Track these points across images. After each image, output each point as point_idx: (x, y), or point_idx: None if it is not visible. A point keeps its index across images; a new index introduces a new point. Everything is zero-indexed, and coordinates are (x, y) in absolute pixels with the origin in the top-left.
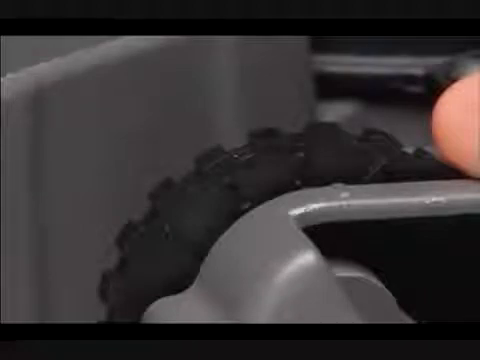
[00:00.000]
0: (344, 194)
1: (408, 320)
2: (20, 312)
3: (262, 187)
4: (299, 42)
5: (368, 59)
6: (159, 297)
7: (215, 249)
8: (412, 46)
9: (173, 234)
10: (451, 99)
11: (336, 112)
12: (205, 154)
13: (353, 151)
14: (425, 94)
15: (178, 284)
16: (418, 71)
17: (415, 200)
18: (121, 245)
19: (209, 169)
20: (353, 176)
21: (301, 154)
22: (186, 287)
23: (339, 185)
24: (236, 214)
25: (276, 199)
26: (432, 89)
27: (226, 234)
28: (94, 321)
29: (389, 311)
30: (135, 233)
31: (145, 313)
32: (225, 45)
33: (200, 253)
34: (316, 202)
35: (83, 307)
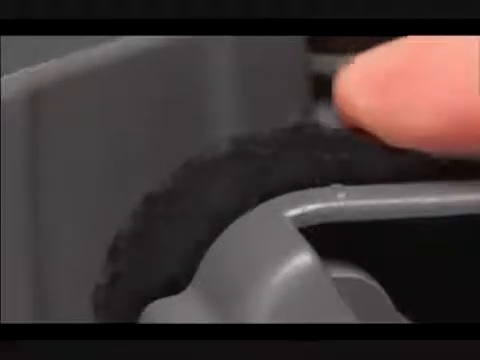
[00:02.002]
0: (341, 195)
1: (404, 321)
2: (20, 312)
3: (274, 184)
4: (298, 42)
5: None
6: (156, 298)
7: (212, 250)
8: None
9: (174, 234)
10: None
11: (335, 113)
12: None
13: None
14: None
15: (176, 284)
16: None
17: (412, 201)
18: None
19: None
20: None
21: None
22: (184, 287)
23: (337, 186)
24: (240, 213)
25: (273, 200)
26: None
27: (223, 235)
28: (93, 321)
29: (385, 312)
30: (135, 233)
31: (142, 314)
32: (225, 45)
33: (200, 252)
34: (313, 203)
35: (83, 307)
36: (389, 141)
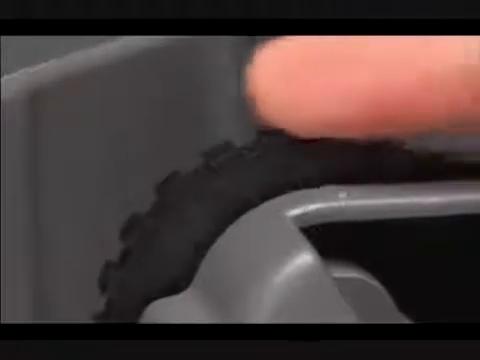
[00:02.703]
0: (342, 194)
1: (406, 320)
2: (20, 312)
3: (267, 186)
4: None
5: None
6: (159, 293)
7: (213, 249)
8: None
9: (173, 234)
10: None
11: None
12: (212, 149)
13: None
14: None
15: (179, 280)
16: None
17: (413, 200)
18: (120, 244)
19: (215, 166)
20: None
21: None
22: (187, 283)
23: (337, 186)
24: (239, 213)
25: (274, 199)
26: None
27: (224, 234)
28: (93, 321)
29: (387, 312)
30: (135, 233)
31: (143, 314)
32: (225, 45)
33: (201, 253)
34: (314, 203)
35: (83, 307)
36: (300, 134)
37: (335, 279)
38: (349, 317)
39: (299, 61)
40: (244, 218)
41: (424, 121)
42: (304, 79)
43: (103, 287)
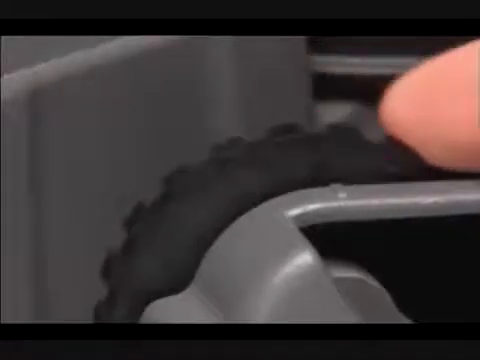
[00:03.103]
0: (342, 194)
1: (406, 321)
2: (20, 312)
3: (272, 184)
4: (298, 42)
5: (367, 60)
6: (158, 297)
7: (213, 249)
8: (412, 46)
9: (173, 234)
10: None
11: (335, 113)
12: (216, 147)
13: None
14: None
15: (181, 277)
16: None
17: (413, 200)
18: (120, 244)
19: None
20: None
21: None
22: (189, 281)
23: (337, 185)
24: (240, 212)
25: (274, 199)
26: None
27: (224, 234)
28: (93, 321)
29: (387, 312)
30: (134, 233)
31: (144, 314)
32: (224, 45)
33: (201, 252)
34: (314, 202)
35: (83, 307)
36: (437, 160)
37: (335, 279)
38: (349, 317)
39: (436, 82)
40: (244, 217)
41: None
42: (439, 100)
43: (106, 276)
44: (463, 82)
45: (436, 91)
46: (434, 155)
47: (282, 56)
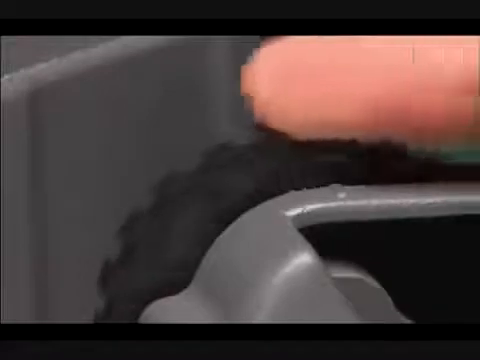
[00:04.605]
0: (341, 195)
1: (405, 320)
2: (20, 312)
3: (264, 187)
4: None
5: None
6: (157, 297)
7: (212, 249)
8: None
9: (172, 234)
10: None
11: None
12: (210, 151)
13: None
14: None
15: (177, 284)
16: None
17: (411, 201)
18: (119, 244)
19: (212, 167)
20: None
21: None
22: (185, 287)
23: (336, 186)
24: (236, 214)
25: (273, 200)
26: None
27: (224, 234)
28: (93, 321)
29: (386, 311)
30: (134, 233)
31: (143, 314)
32: (224, 45)
33: (200, 252)
34: (313, 203)
35: (83, 307)
36: (299, 135)
37: (334, 279)
38: (348, 317)
39: (298, 65)
40: (244, 218)
41: (422, 120)
42: (303, 83)
43: (103, 286)
44: (325, 64)
45: (301, 73)
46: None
47: None
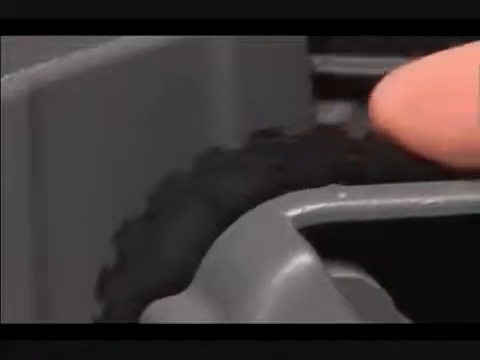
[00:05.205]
0: (341, 195)
1: (405, 321)
2: (20, 312)
3: (261, 188)
4: (298, 42)
5: (367, 59)
6: (157, 297)
7: (212, 250)
8: (412, 46)
9: (172, 234)
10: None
11: (335, 113)
12: (204, 154)
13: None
14: None
15: (177, 284)
16: None
17: (413, 201)
18: (119, 244)
19: (208, 169)
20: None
21: (302, 155)
22: (185, 287)
23: (336, 186)
24: (235, 215)
25: (273, 200)
26: None
27: (223, 235)
28: (93, 321)
29: (386, 312)
30: (134, 232)
31: (143, 314)
32: (225, 45)
33: (199, 253)
34: (313, 203)
35: (83, 307)
36: (427, 157)
37: (334, 279)
38: (348, 317)
39: (423, 88)
40: (243, 218)
41: None
42: (428, 107)
43: (101, 293)
44: (453, 83)
45: (426, 91)
46: (421, 150)
47: (282, 56)
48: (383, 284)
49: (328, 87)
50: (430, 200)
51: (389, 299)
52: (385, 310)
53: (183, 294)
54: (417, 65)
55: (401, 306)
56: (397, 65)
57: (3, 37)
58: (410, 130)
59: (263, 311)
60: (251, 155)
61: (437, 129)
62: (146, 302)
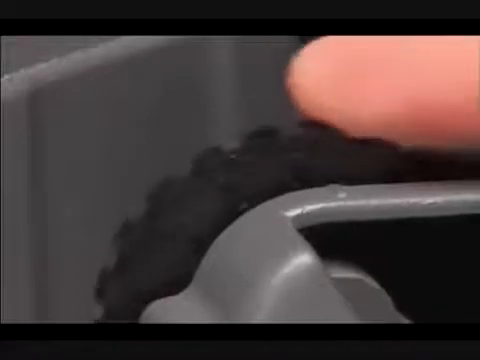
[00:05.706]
0: (341, 195)
1: (405, 321)
2: (20, 312)
3: (260, 188)
4: (298, 42)
5: None
6: (157, 297)
7: (212, 250)
8: None
9: (172, 234)
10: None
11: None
12: (203, 155)
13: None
14: None
15: (177, 284)
16: None
17: (412, 201)
18: (119, 244)
19: (207, 170)
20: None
21: (301, 155)
22: (185, 287)
23: (336, 186)
24: (234, 215)
25: (273, 200)
26: None
27: (223, 235)
28: (93, 321)
29: (385, 312)
30: (134, 232)
31: (143, 314)
32: (225, 45)
33: (199, 253)
34: (313, 203)
35: (83, 307)
36: (350, 133)
37: (333, 279)
38: (347, 317)
39: (345, 60)
40: (243, 218)
41: (465, 130)
42: (350, 79)
43: (101, 293)
44: (370, 59)
45: (353, 70)
46: (355, 131)
47: (282, 56)
48: (383, 284)
49: None
50: (430, 200)
51: (389, 299)
52: (385, 310)
53: (182, 294)
54: (333, 40)
55: (401, 306)
56: None
57: (3, 37)
58: (333, 109)
59: (263, 311)
60: (251, 155)
61: (359, 105)
62: (146, 302)
